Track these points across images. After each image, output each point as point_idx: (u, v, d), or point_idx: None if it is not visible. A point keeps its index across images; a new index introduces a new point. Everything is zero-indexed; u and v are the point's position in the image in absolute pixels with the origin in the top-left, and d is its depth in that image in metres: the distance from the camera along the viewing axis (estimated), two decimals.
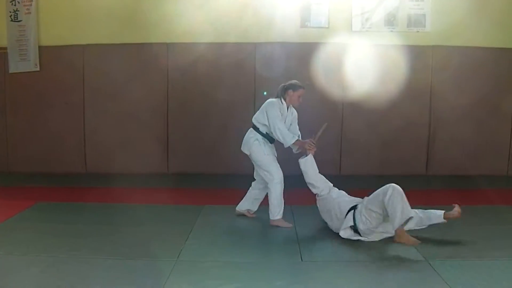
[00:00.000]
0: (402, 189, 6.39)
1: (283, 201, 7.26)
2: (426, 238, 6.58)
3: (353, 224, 6.50)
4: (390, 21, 10.41)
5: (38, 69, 10.45)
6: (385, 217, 6.34)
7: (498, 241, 6.54)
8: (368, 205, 6.43)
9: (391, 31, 10.39)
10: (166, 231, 6.90)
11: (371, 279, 5.49)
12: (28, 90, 10.55)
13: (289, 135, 7.10)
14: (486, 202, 8.67)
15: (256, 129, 7.39)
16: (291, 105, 7.30)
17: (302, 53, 10.22)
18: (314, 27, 10.42)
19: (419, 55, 10.30)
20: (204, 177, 10.28)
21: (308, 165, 7.26)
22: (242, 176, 10.21)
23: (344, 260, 6.05)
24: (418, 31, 10.41)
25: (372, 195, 6.52)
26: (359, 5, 10.34)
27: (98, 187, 9.65)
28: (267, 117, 7.17)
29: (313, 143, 7.19)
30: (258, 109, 7.41)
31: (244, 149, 7.53)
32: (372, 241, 6.52)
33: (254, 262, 5.85)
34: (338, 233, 6.71)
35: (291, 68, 10.20)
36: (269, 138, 7.34)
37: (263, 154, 7.32)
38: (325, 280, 5.42)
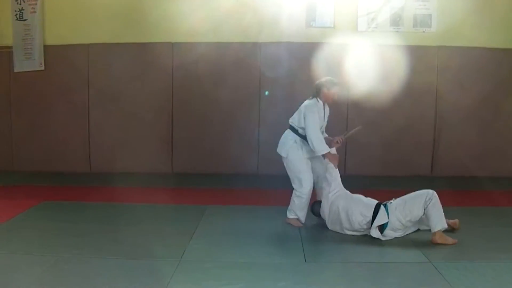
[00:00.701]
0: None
1: (306, 208, 7.23)
2: (429, 239, 6.57)
3: (387, 220, 6.53)
4: (396, 21, 10.39)
5: (43, 68, 10.46)
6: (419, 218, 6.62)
7: (503, 243, 6.51)
8: (407, 204, 6.58)
9: (397, 31, 10.36)
10: (169, 231, 6.90)
11: (375, 280, 5.46)
12: (32, 89, 10.56)
13: (322, 145, 6.99)
14: (491, 204, 8.65)
15: (295, 130, 7.29)
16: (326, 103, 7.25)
17: (307, 53, 10.18)
18: (319, 27, 10.40)
19: (424, 56, 10.27)
20: (208, 177, 10.27)
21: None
22: (246, 176, 10.27)
23: (348, 261, 6.04)
24: (423, 32, 10.38)
25: (408, 196, 6.72)
26: (364, 5, 10.32)
27: (102, 186, 9.65)
28: (305, 122, 7.07)
29: (340, 142, 7.28)
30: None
31: (281, 151, 7.38)
32: (377, 242, 6.53)
33: (258, 262, 5.83)
34: (342, 233, 6.78)
35: (296, 68, 10.22)
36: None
37: (300, 159, 7.20)
38: (328, 281, 5.41)
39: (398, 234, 6.64)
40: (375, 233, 6.56)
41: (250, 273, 5.51)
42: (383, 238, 6.56)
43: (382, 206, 6.63)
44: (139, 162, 10.45)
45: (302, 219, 7.21)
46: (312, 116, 7.02)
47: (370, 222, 6.62)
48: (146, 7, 10.28)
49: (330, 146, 7.13)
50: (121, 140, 10.50)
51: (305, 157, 7.21)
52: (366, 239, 6.68)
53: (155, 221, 7.36)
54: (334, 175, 7.01)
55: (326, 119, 7.29)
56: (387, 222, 6.54)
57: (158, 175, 10.31)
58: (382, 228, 6.57)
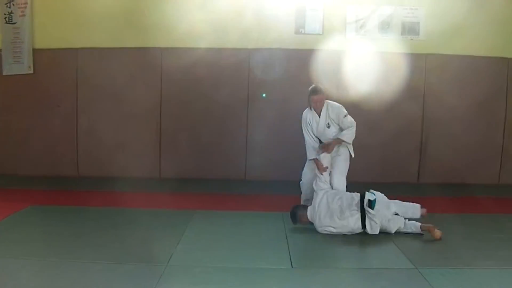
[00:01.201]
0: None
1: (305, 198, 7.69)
2: (417, 246, 6.64)
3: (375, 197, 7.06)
4: (384, 28, 10.45)
5: (32, 71, 10.43)
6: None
7: (489, 250, 6.55)
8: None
9: (385, 38, 10.42)
10: (157, 236, 6.90)
11: (361, 286, 5.50)
12: (21, 92, 10.51)
13: (310, 152, 7.60)
14: (477, 211, 8.71)
15: None
16: (328, 106, 7.58)
17: (296, 59, 10.25)
18: (308, 34, 10.44)
19: (412, 63, 10.31)
20: (196, 182, 10.25)
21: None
22: (234, 181, 10.28)
23: (334, 267, 6.08)
24: (411, 39, 10.44)
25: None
26: (353, 12, 10.38)
27: (90, 190, 9.64)
28: None
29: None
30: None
31: None
32: (363, 248, 6.67)
33: (244, 268, 5.84)
34: (329, 238, 6.88)
35: (286, 74, 10.25)
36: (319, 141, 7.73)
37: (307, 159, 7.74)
38: (314, 287, 5.41)
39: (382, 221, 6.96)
40: (367, 205, 6.94)
41: (237, 278, 5.52)
42: (371, 224, 6.91)
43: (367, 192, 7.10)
44: (127, 166, 10.41)
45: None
46: (303, 128, 7.67)
47: (359, 204, 6.99)
48: (136, 12, 10.28)
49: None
50: (109, 144, 10.46)
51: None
52: (353, 245, 6.74)
53: (142, 226, 7.34)
54: (320, 184, 7.34)
55: (324, 123, 7.56)
56: (375, 200, 6.93)
57: (146, 180, 10.30)
58: (371, 205, 6.90)
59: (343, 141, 7.54)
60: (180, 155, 10.56)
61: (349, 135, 7.52)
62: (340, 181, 7.54)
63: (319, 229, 7.06)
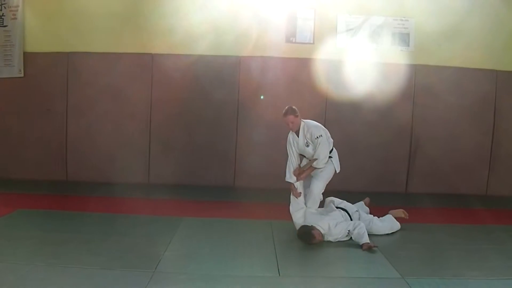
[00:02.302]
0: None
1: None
2: (404, 255, 6.66)
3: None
4: (375, 39, 10.49)
5: (22, 75, 10.40)
6: None
7: (475, 261, 6.60)
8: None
9: (375, 49, 10.47)
10: (145, 242, 6.89)
11: None
12: (11, 96, 10.49)
13: (289, 174, 7.60)
14: (465, 221, 8.75)
15: None
16: (304, 126, 7.58)
17: (287, 68, 10.30)
18: (299, 43, 10.48)
19: (402, 73, 10.35)
20: (185, 189, 10.23)
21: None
22: (223, 188, 10.28)
23: (321, 276, 6.11)
24: (401, 50, 10.50)
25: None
26: (344, 22, 10.43)
27: (78, 195, 9.62)
28: None
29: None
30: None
31: None
32: (351, 257, 6.68)
33: (232, 275, 5.85)
34: (316, 247, 6.94)
35: (276, 82, 10.27)
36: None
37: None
38: None
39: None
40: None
41: (224, 285, 5.53)
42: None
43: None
44: (116, 171, 10.40)
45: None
46: (288, 149, 7.71)
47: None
48: (128, 18, 10.28)
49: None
50: (99, 149, 10.46)
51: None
52: (340, 253, 6.77)
53: (130, 232, 7.35)
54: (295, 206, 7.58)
55: (303, 143, 7.55)
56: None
57: (134, 185, 10.27)
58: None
59: (315, 167, 7.55)
60: (169, 161, 10.55)
61: (319, 160, 7.47)
62: (317, 186, 7.58)
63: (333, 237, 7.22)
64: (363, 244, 7.01)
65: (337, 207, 7.66)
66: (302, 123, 7.55)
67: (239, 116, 10.50)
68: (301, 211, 7.49)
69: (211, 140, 10.52)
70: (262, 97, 10.42)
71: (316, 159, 7.44)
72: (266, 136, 10.31)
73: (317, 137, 7.41)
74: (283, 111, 7.48)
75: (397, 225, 7.78)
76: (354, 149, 10.31)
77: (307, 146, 7.49)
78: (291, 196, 7.59)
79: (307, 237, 7.02)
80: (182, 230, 7.49)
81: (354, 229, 7.12)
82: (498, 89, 10.59)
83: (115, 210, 8.44)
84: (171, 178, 10.54)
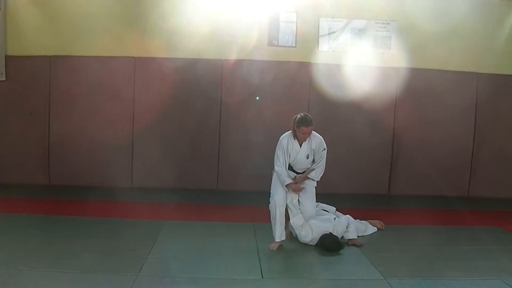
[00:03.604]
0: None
1: (276, 224, 7.11)
2: (386, 257, 6.70)
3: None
4: (357, 42, 10.55)
5: (4, 78, 10.34)
6: None
7: (458, 261, 6.67)
8: None
9: (357, 51, 10.52)
10: (128, 245, 6.87)
11: None
12: None
13: (283, 176, 7.11)
14: (447, 223, 8.81)
15: None
16: (311, 138, 7.16)
17: (269, 71, 10.31)
18: (281, 46, 10.51)
19: (384, 76, 10.43)
20: (168, 192, 10.20)
21: None
22: (206, 191, 10.27)
23: (304, 278, 6.11)
24: (383, 53, 10.56)
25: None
26: (326, 25, 10.47)
27: (61, 199, 9.56)
28: None
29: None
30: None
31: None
32: (333, 259, 6.74)
33: (215, 278, 5.86)
34: (299, 250, 6.97)
35: (258, 86, 10.30)
36: (292, 170, 7.32)
37: (276, 180, 7.26)
38: None
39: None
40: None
41: None
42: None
43: None
44: (99, 175, 10.39)
45: (275, 236, 7.14)
46: (276, 150, 7.20)
47: None
48: (110, 21, 10.25)
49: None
50: (81, 153, 10.43)
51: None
52: (323, 256, 6.80)
53: (113, 235, 7.32)
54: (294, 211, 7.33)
55: (304, 154, 7.21)
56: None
57: (117, 189, 10.23)
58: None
59: (312, 179, 7.32)
60: (152, 165, 10.53)
61: (319, 172, 7.27)
62: (311, 207, 7.36)
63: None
64: (350, 239, 7.08)
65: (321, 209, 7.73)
66: None
67: (222, 119, 10.51)
68: (299, 216, 7.29)
69: (194, 143, 10.53)
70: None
71: (311, 169, 7.25)
72: (249, 139, 10.34)
73: (323, 149, 7.22)
74: (303, 120, 6.99)
75: (372, 228, 7.86)
76: (337, 152, 10.32)
77: (307, 158, 7.21)
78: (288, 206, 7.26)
79: (339, 245, 7.02)
80: (165, 234, 7.48)
81: (349, 224, 7.34)
82: (479, 91, 10.69)
83: (98, 214, 8.40)
84: (155, 181, 10.52)
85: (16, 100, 10.41)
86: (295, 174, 7.31)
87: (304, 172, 7.30)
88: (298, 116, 7.06)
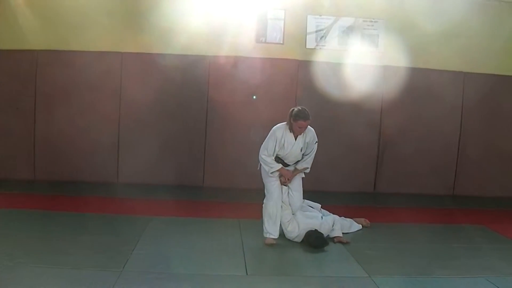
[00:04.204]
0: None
1: (276, 221, 7.14)
2: (371, 255, 6.73)
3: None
4: (344, 40, 10.56)
5: None
6: None
7: (441, 260, 6.71)
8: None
9: (345, 50, 10.53)
10: (113, 241, 6.84)
11: None
12: None
13: (271, 164, 7.09)
14: (432, 221, 8.85)
15: None
16: (306, 131, 7.14)
17: (257, 68, 10.30)
18: (269, 43, 10.50)
19: (371, 74, 10.44)
20: (154, 188, 10.19)
21: None
22: (192, 188, 10.26)
23: (288, 275, 6.14)
24: (370, 51, 10.57)
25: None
26: (314, 23, 10.47)
27: (47, 194, 9.51)
28: None
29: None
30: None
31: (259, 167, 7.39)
32: (318, 257, 6.73)
33: (199, 274, 5.86)
34: (284, 246, 6.98)
35: (245, 83, 10.29)
36: (282, 162, 7.22)
37: (267, 175, 7.21)
38: None
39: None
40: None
41: (192, 285, 5.53)
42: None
43: None
44: (85, 170, 10.35)
45: (269, 233, 7.15)
46: (267, 140, 7.12)
47: None
48: (97, 16, 10.20)
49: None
50: (67, 148, 10.37)
51: (275, 175, 7.22)
52: (308, 253, 6.81)
53: (98, 231, 7.30)
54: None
55: (298, 147, 7.18)
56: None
57: (103, 185, 10.22)
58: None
59: (304, 168, 7.33)
60: (139, 160, 10.50)
61: (309, 164, 7.31)
62: (299, 198, 7.39)
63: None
64: (336, 236, 7.10)
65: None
66: None
67: (209, 116, 10.50)
68: (288, 212, 7.31)
69: (181, 139, 10.50)
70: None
71: (302, 162, 7.29)
72: (235, 135, 10.34)
73: (316, 142, 7.26)
74: (301, 114, 6.96)
75: (357, 226, 7.89)
76: (323, 149, 10.33)
77: (300, 151, 7.20)
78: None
79: (323, 242, 7.03)
80: (150, 230, 7.47)
81: (334, 223, 7.41)
82: (465, 90, 10.73)
83: (83, 210, 8.38)
84: (141, 177, 10.49)
85: (2, 94, 10.34)
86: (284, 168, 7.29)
87: (293, 164, 7.31)
88: (295, 109, 7.05)
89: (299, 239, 7.17)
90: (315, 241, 6.96)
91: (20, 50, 10.27)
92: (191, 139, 10.53)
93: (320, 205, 7.87)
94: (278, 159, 7.19)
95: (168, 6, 10.21)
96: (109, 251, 6.42)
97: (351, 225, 7.82)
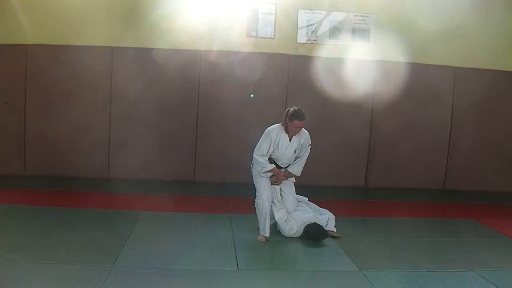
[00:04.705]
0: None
1: (266, 219, 7.08)
2: (362, 249, 6.75)
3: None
4: (335, 34, 10.56)
5: None
6: None
7: (432, 253, 6.74)
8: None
9: (335, 44, 10.54)
10: (103, 237, 6.83)
11: None
12: None
13: (264, 164, 7.05)
14: (423, 215, 8.89)
15: None
16: (301, 132, 7.12)
17: (247, 62, 10.28)
18: (260, 37, 10.49)
19: (362, 69, 10.45)
20: (144, 183, 10.18)
21: None
22: (183, 182, 10.25)
23: (280, 269, 6.15)
24: (361, 46, 10.58)
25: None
26: (305, 17, 10.46)
27: (37, 189, 9.47)
28: None
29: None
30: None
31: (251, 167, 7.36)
32: (309, 251, 6.76)
33: (191, 269, 5.86)
34: (275, 241, 6.99)
35: (236, 77, 10.27)
36: (274, 163, 7.17)
37: (259, 173, 7.15)
38: None
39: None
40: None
41: (183, 280, 5.53)
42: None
43: None
44: (75, 166, 10.32)
45: (262, 231, 7.13)
46: (261, 140, 7.09)
47: None
48: (87, 10, 10.16)
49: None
50: (58, 143, 10.33)
51: (263, 175, 7.18)
52: (299, 247, 6.84)
53: (89, 226, 7.28)
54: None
55: (292, 148, 7.14)
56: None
57: (94, 180, 10.20)
58: None
59: (296, 171, 7.28)
60: (129, 155, 10.46)
61: (298, 167, 7.25)
62: (293, 201, 7.39)
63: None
64: (329, 230, 7.12)
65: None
66: None
67: (199, 111, 10.47)
68: (283, 211, 7.29)
69: (171, 134, 10.48)
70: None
71: (294, 164, 7.23)
72: (226, 130, 10.33)
73: (309, 145, 7.23)
74: (298, 114, 6.93)
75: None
76: (314, 143, 10.34)
77: (294, 152, 7.16)
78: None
79: (324, 234, 7.08)
80: (141, 224, 7.45)
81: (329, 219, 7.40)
82: (456, 85, 10.75)
83: (73, 205, 8.37)
84: (131, 172, 10.47)
85: None
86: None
87: (286, 167, 7.25)
88: (291, 109, 7.00)
89: (298, 235, 7.19)
90: (316, 233, 7.01)
91: (10, 45, 10.20)
92: (182, 134, 10.51)
93: (308, 198, 7.87)
94: (271, 161, 7.15)
95: (159, 1, 10.18)
96: (100, 247, 6.40)
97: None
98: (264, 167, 7.04)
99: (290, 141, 7.10)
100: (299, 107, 7.05)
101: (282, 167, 7.24)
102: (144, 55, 10.23)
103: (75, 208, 8.21)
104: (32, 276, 5.36)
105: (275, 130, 7.07)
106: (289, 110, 7.01)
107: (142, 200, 9.02)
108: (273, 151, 7.09)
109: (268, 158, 7.13)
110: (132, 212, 8.09)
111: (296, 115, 6.91)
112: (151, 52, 10.22)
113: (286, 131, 7.05)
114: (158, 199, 9.23)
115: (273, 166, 7.09)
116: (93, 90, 10.34)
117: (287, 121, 6.97)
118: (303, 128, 7.09)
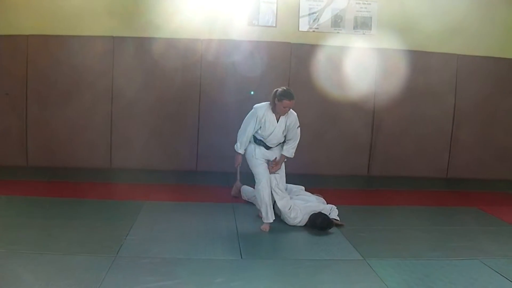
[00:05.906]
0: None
1: (267, 205, 7.12)
2: (365, 237, 6.75)
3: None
4: (337, 22, 10.51)
5: None
6: None
7: (437, 242, 6.77)
8: None
9: (338, 32, 10.49)
10: (106, 227, 6.84)
11: (310, 277, 5.56)
12: None
13: (241, 141, 7.24)
14: (426, 204, 8.89)
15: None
16: (289, 114, 7.07)
17: (249, 51, 10.24)
18: (261, 26, 10.44)
19: (364, 58, 10.41)
20: (147, 173, 10.16)
21: None
22: (185, 172, 10.24)
23: (283, 258, 6.16)
24: (364, 34, 10.53)
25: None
26: (306, 6, 10.41)
27: (39, 180, 9.46)
28: None
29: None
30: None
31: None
32: (313, 240, 6.78)
33: (194, 259, 5.86)
34: (278, 231, 7.01)
35: (237, 66, 10.23)
36: (263, 144, 7.23)
37: (252, 156, 7.25)
38: (264, 278, 5.47)
39: None
40: None
41: (186, 269, 5.54)
42: None
43: None
44: (77, 156, 10.29)
45: (265, 218, 7.15)
46: (247, 119, 7.19)
47: None
48: (88, 0, 10.14)
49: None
50: (60, 134, 10.29)
51: (257, 157, 7.23)
52: (302, 236, 6.84)
53: (92, 216, 7.29)
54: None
55: (281, 129, 7.13)
56: None
57: (96, 170, 10.18)
58: None
59: (286, 157, 7.27)
60: (131, 145, 10.44)
61: (292, 150, 7.21)
62: (283, 183, 7.41)
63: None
64: (332, 219, 7.12)
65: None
66: None
67: (201, 100, 10.43)
68: (287, 199, 7.31)
69: (174, 124, 10.44)
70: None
71: (286, 146, 7.21)
72: (228, 119, 10.27)
73: (298, 126, 7.18)
74: (287, 93, 6.91)
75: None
76: (316, 133, 10.35)
77: (283, 132, 7.14)
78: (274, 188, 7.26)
79: (330, 223, 7.10)
80: (144, 214, 7.46)
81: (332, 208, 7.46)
82: (459, 73, 10.70)
83: (76, 195, 8.35)
84: (133, 162, 10.44)
85: None
86: (268, 155, 7.30)
87: (276, 146, 7.27)
88: (280, 89, 6.99)
89: (302, 223, 7.19)
90: (322, 222, 7.03)
91: (10, 35, 10.16)
92: (184, 123, 10.48)
93: (304, 187, 7.87)
94: (260, 142, 7.20)
95: None
96: (103, 237, 6.41)
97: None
98: (238, 146, 7.29)
99: (277, 121, 7.09)
100: (288, 87, 7.13)
101: (271, 147, 7.24)
102: (145, 44, 10.17)
103: (77, 198, 8.20)
104: (34, 267, 5.36)
105: (262, 109, 7.10)
106: (277, 90, 7.00)
107: (145, 190, 8.97)
108: (260, 130, 7.13)
109: (258, 139, 7.19)
110: (135, 202, 8.10)
111: (286, 95, 6.90)
112: (152, 41, 10.17)
113: (274, 111, 7.05)
114: (161, 188, 9.20)
115: (242, 152, 7.29)
116: (94, 80, 10.28)
117: (276, 101, 6.96)
118: (291, 109, 7.05)
